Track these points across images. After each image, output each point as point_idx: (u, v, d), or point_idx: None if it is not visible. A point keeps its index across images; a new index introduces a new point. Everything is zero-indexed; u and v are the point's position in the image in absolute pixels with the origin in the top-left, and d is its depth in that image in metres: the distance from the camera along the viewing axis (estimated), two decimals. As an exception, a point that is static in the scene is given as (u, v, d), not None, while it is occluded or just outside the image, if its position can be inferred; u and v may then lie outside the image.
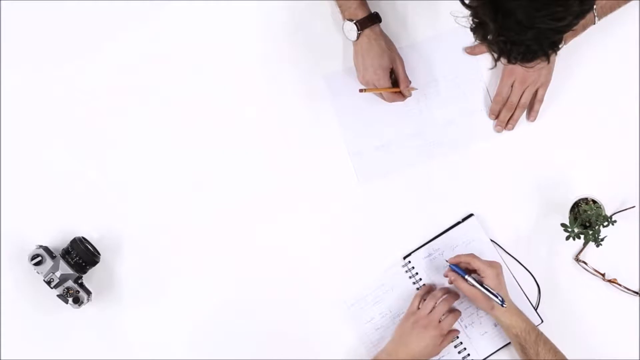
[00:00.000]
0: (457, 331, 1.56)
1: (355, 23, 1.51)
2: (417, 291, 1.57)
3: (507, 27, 1.08)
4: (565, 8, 1.06)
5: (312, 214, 1.60)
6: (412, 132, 1.61)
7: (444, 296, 1.55)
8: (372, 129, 1.61)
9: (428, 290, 1.57)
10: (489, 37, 1.12)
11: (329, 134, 1.61)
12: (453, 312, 1.55)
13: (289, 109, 1.61)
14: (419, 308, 1.54)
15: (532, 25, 1.06)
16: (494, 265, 1.50)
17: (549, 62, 1.16)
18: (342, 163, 1.61)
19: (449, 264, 1.53)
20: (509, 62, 1.14)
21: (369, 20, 1.51)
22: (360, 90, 1.55)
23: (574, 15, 1.08)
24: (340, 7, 1.54)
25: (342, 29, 1.53)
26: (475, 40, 1.15)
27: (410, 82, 1.56)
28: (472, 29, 1.14)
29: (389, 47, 1.54)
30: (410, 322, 1.54)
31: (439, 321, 1.52)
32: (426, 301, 1.55)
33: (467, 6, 1.11)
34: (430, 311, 1.53)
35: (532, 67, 1.18)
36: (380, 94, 1.57)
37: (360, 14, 1.51)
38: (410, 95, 1.58)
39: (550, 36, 1.10)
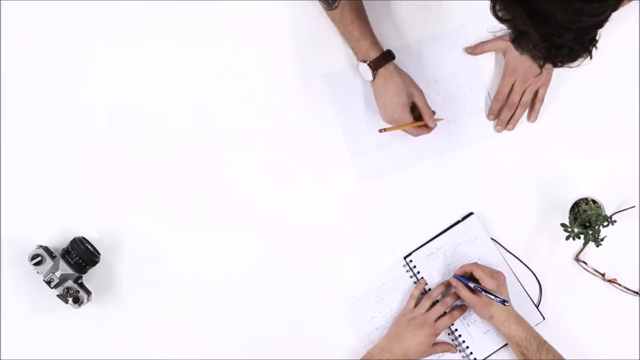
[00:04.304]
0: (453, 347, 1.57)
1: (368, 64, 1.51)
2: (414, 291, 1.58)
3: (549, 32, 1.07)
4: (603, 2, 1.05)
5: (312, 214, 1.60)
6: (412, 132, 1.61)
7: (444, 298, 1.56)
8: (372, 129, 1.61)
9: (422, 288, 1.58)
10: (530, 46, 1.10)
11: (329, 134, 1.61)
12: (450, 312, 1.56)
13: (288, 109, 1.61)
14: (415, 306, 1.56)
15: (573, 25, 1.05)
16: (496, 277, 1.51)
17: (591, 58, 1.13)
18: (342, 163, 1.61)
19: (453, 274, 1.54)
20: (555, 65, 1.13)
21: (382, 59, 1.51)
22: (380, 130, 1.52)
23: (612, 7, 1.06)
24: (353, 49, 1.54)
25: (358, 70, 1.54)
26: (520, 53, 1.14)
27: (434, 112, 1.55)
28: (513, 41, 1.12)
29: (405, 83, 1.52)
30: (406, 319, 1.55)
31: (435, 320, 1.53)
32: (422, 300, 1.56)
33: (502, 20, 1.10)
34: (427, 310, 1.54)
35: (576, 67, 1.15)
36: (405, 129, 1.55)
37: (373, 55, 1.51)
38: (435, 126, 1.55)
39: (590, 32, 1.09)
